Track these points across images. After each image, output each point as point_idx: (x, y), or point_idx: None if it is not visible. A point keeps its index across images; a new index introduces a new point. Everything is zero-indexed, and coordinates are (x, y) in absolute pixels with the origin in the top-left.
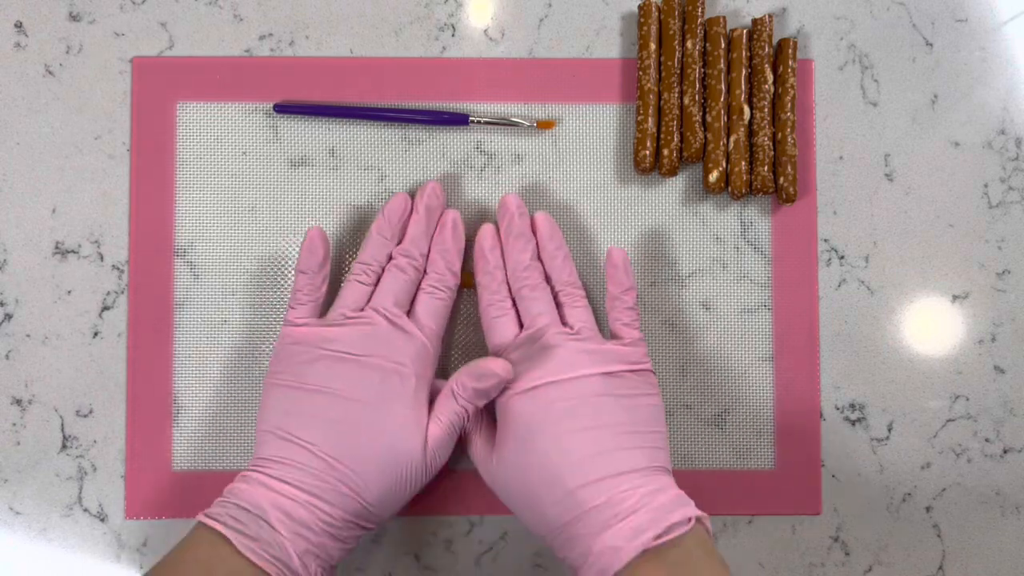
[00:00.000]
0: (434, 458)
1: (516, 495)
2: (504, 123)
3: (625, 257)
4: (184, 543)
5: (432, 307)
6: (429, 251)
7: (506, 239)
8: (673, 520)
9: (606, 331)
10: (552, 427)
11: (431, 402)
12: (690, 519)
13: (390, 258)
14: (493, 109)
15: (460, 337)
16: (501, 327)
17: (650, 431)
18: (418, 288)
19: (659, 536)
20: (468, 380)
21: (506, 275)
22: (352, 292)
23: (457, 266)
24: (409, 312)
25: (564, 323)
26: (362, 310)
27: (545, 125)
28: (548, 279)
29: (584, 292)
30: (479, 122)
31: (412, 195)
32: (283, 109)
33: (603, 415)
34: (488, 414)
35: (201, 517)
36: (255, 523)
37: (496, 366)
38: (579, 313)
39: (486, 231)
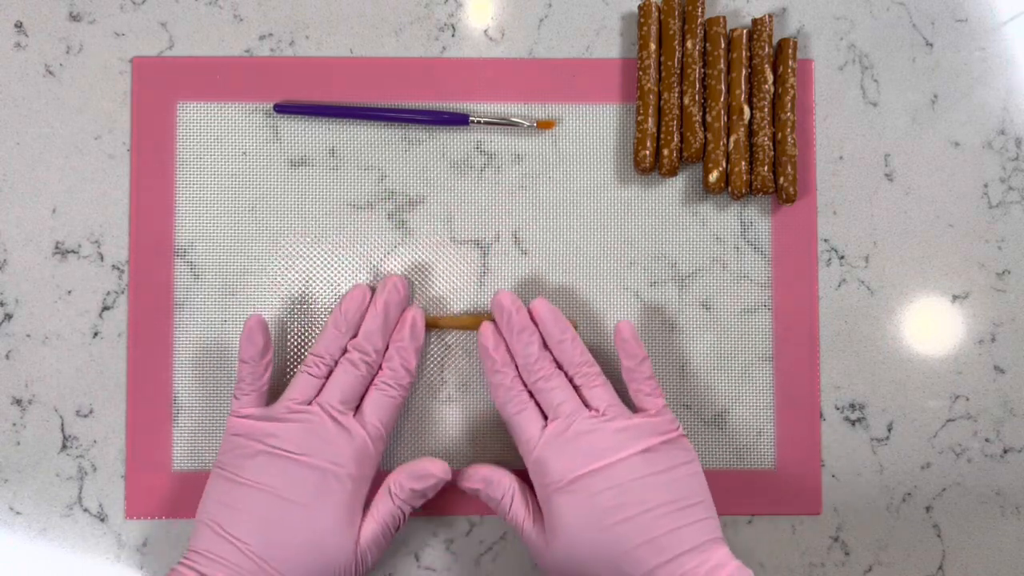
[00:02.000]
0: (365, 557)
1: None
2: (504, 123)
3: (633, 329)
4: None
5: (381, 404)
6: (387, 347)
7: (509, 336)
8: None
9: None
10: (600, 520)
11: (371, 499)
12: None
13: (344, 351)
14: (493, 109)
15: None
16: (524, 421)
17: (696, 502)
18: (371, 383)
19: None
20: (406, 481)
21: (517, 369)
22: (301, 384)
23: (413, 364)
24: (358, 407)
25: (587, 406)
26: (309, 403)
27: (545, 125)
28: (559, 365)
29: (599, 368)
30: (479, 122)
31: (373, 288)
32: (283, 109)
33: (649, 498)
34: (530, 501)
35: None
36: None
37: (434, 467)
38: (599, 392)
39: (486, 331)
